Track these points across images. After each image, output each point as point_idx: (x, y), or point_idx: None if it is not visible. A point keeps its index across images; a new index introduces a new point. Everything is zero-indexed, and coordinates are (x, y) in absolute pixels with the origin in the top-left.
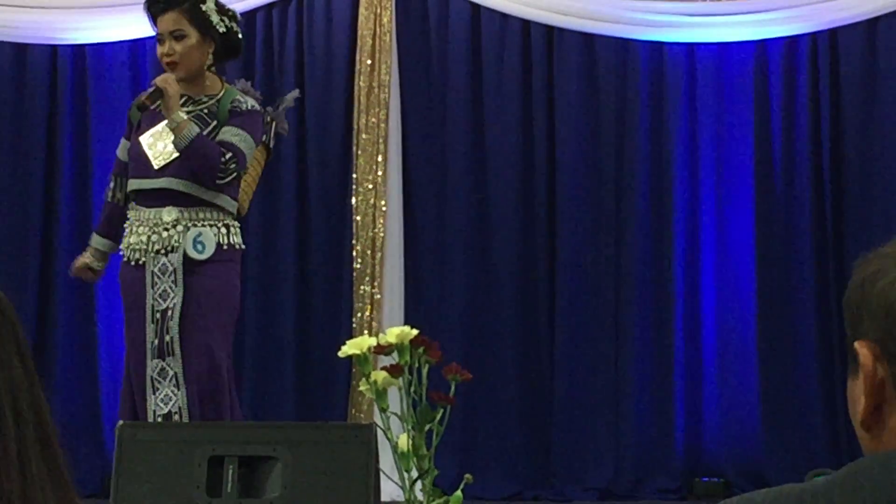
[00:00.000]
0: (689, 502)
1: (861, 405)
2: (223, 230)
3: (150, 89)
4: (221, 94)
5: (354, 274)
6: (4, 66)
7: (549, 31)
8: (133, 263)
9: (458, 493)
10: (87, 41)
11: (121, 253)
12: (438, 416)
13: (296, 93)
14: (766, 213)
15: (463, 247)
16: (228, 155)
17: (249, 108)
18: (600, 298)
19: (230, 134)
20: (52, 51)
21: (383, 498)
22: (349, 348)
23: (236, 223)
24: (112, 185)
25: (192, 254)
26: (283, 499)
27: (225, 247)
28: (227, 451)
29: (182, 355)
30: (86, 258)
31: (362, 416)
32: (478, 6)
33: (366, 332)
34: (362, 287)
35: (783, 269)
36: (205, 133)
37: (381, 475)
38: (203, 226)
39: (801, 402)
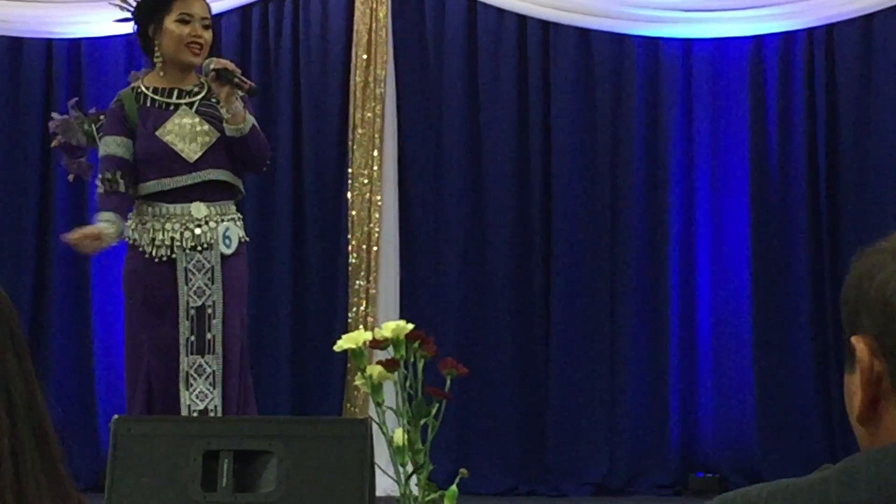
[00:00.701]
0: (684, 498)
1: (857, 400)
2: (239, 223)
3: (212, 69)
4: (206, 84)
5: (350, 268)
6: (0, 61)
7: (545, 26)
8: (157, 260)
9: (454, 487)
10: (83, 35)
11: (135, 245)
12: (434, 411)
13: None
14: (762, 208)
15: (458, 241)
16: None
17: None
18: (596, 293)
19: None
20: (48, 45)
21: (378, 492)
22: (345, 343)
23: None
24: (113, 175)
25: (223, 249)
26: (278, 493)
27: (242, 240)
28: (222, 445)
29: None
30: (98, 225)
31: (357, 410)
32: (474, 1)
33: (361, 326)
34: (357, 282)
35: (778, 264)
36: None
37: (377, 470)
38: (227, 220)
39: (796, 397)
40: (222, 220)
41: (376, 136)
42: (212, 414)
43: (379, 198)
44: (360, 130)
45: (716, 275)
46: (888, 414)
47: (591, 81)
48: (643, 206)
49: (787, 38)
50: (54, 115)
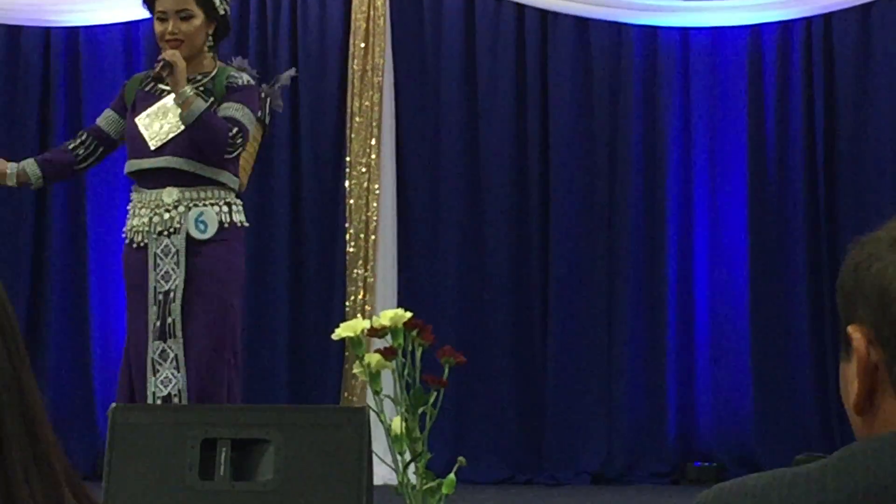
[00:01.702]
0: (682, 487)
1: (854, 389)
2: (224, 208)
3: (159, 63)
4: (215, 72)
5: (347, 257)
6: None
7: (543, 14)
8: (135, 246)
9: (451, 476)
10: (81, 23)
11: (123, 236)
12: (432, 399)
13: (292, 71)
14: (760, 197)
15: (456, 230)
16: (235, 129)
17: (245, 82)
18: (593, 283)
19: (232, 109)
20: (46, 33)
21: (376, 481)
22: (343, 331)
23: (238, 200)
24: (77, 139)
25: (195, 234)
26: (275, 482)
27: (227, 225)
28: (220, 433)
29: (183, 337)
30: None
31: (355, 399)
32: None
33: (359, 315)
34: (355, 270)
35: (776, 254)
36: None
37: (375, 458)
38: (205, 205)
39: (793, 387)
40: (196, 205)
41: (374, 124)
42: (175, 399)
43: (377, 186)
44: (357, 119)
45: (713, 264)
46: (885, 403)
47: (589, 70)
48: (641, 194)
49: (785, 28)
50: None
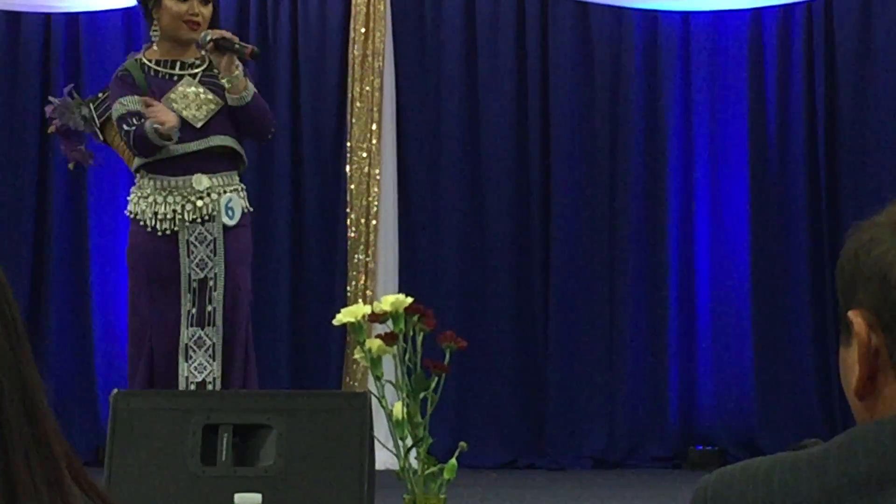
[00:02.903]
0: (684, 471)
1: (855, 374)
2: (243, 194)
3: (249, 48)
4: (207, 57)
5: (349, 242)
6: None
7: None
8: (160, 234)
9: (453, 461)
10: (81, 9)
11: (142, 224)
12: (433, 385)
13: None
14: (760, 181)
15: (457, 215)
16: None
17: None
18: (595, 268)
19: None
20: (46, 19)
21: (378, 466)
22: (344, 316)
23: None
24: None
25: (226, 221)
26: (277, 467)
27: (246, 211)
28: (222, 419)
29: (224, 325)
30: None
31: (356, 384)
32: None
33: (360, 300)
34: (356, 255)
35: (777, 237)
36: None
37: (376, 443)
38: (230, 192)
39: (794, 371)
40: (224, 192)
41: (375, 109)
42: (210, 386)
43: (378, 171)
44: (358, 104)
45: (715, 248)
46: (886, 388)
47: (590, 54)
48: (642, 179)
49: (786, 11)
50: (51, 98)
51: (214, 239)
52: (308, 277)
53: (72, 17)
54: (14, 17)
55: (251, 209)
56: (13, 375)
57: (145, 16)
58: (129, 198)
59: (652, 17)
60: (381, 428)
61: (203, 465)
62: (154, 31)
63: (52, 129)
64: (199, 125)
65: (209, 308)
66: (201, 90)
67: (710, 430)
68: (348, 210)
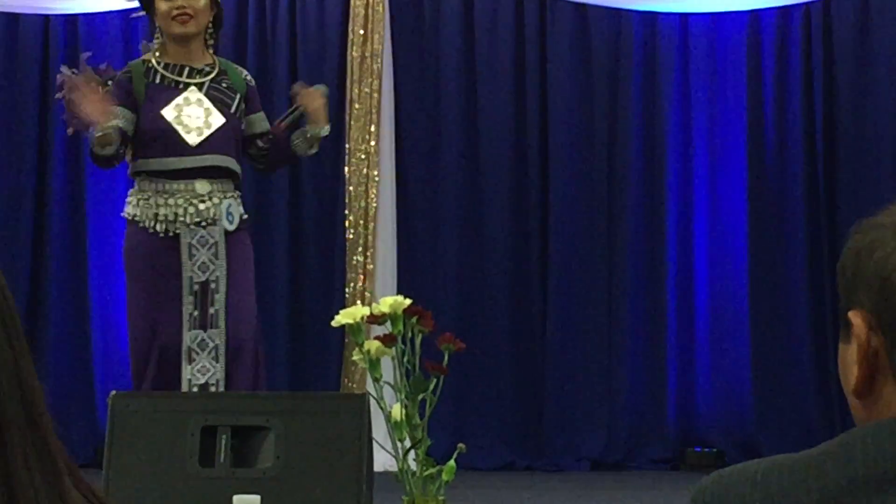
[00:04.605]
0: (682, 472)
1: (854, 373)
2: (239, 201)
3: (296, 111)
4: (219, 65)
5: (347, 244)
6: None
7: (543, 0)
8: (162, 235)
9: (452, 462)
10: (80, 11)
11: (142, 224)
12: (432, 386)
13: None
14: (759, 181)
15: (456, 216)
16: None
17: (253, 82)
18: (593, 270)
19: (264, 122)
20: (45, 20)
21: (376, 467)
22: (342, 318)
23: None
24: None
25: (226, 225)
26: (275, 469)
27: (243, 216)
28: (220, 421)
29: (227, 327)
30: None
31: (355, 385)
32: None
33: (358, 302)
34: (355, 257)
35: (776, 239)
36: (232, 107)
37: (375, 445)
38: (229, 197)
39: (793, 371)
40: (224, 197)
41: (373, 111)
42: (213, 388)
43: (376, 173)
44: (356, 105)
45: (713, 250)
46: (885, 388)
47: (588, 56)
48: (640, 179)
49: (784, 12)
50: (64, 68)
51: (216, 242)
52: (306, 279)
53: (71, 19)
54: (13, 19)
55: (246, 216)
56: (11, 374)
57: (150, 22)
58: (127, 200)
59: (650, 19)
60: (379, 429)
61: (201, 467)
62: (157, 38)
63: (59, 95)
64: (194, 143)
65: (211, 311)
66: (205, 105)
67: (708, 432)
68: (347, 212)
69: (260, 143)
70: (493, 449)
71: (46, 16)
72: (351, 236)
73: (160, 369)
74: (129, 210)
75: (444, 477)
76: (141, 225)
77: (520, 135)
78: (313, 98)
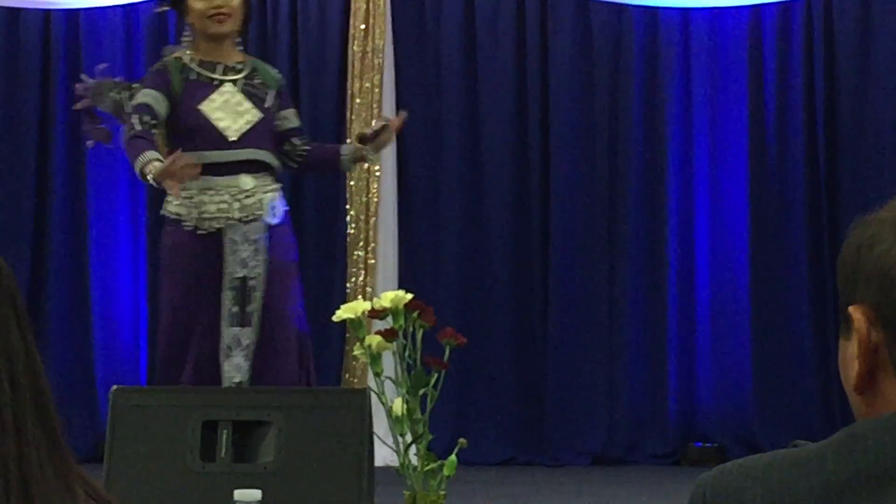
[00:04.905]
0: (683, 467)
1: (854, 369)
2: (280, 194)
3: (379, 126)
4: (250, 63)
5: (348, 239)
6: None
7: None
8: (203, 231)
9: (453, 457)
10: (81, 5)
11: (180, 220)
12: (433, 381)
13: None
14: (760, 177)
15: (457, 211)
16: None
17: (284, 80)
18: (594, 263)
19: (296, 118)
20: (45, 15)
21: (377, 462)
22: (343, 313)
23: None
24: (141, 119)
25: (270, 220)
26: (276, 463)
27: (285, 210)
28: (221, 415)
29: (265, 325)
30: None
31: (356, 380)
32: None
33: (360, 297)
34: (356, 252)
35: (777, 234)
36: (267, 102)
37: (376, 440)
38: (271, 191)
39: (794, 367)
40: (267, 191)
41: (374, 106)
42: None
43: (377, 168)
44: (358, 101)
45: (714, 244)
46: (886, 384)
47: (590, 51)
48: (642, 175)
49: (786, 7)
50: (84, 77)
51: (258, 239)
52: (308, 274)
53: (72, 14)
54: (13, 13)
55: (288, 208)
56: (26, 367)
57: (178, 18)
58: (167, 199)
59: (651, 14)
60: (380, 424)
61: (202, 462)
62: (185, 37)
63: (78, 106)
64: (234, 138)
65: (249, 308)
66: (240, 100)
67: (709, 427)
68: (348, 206)
69: (296, 141)
70: (494, 444)
71: (47, 10)
72: (352, 231)
73: (197, 367)
74: (170, 208)
75: (445, 472)
76: (185, 224)
77: (521, 129)
78: (395, 129)
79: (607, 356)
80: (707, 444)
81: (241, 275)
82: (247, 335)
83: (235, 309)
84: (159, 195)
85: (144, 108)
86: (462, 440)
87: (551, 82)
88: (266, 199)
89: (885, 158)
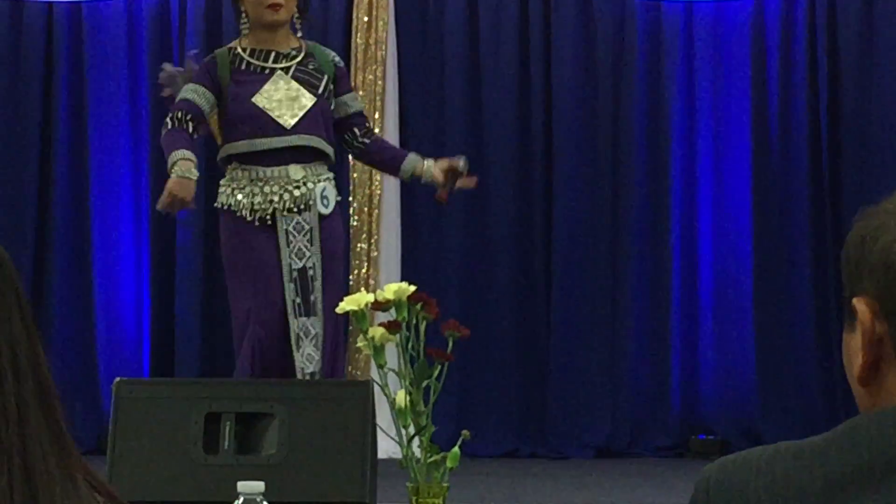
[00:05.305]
0: (686, 460)
1: (858, 360)
2: (333, 182)
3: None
4: (306, 48)
5: (351, 231)
6: (0, 24)
7: None
8: (257, 223)
9: (456, 449)
10: None
11: (234, 212)
12: (436, 373)
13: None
14: (763, 169)
15: (460, 204)
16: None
17: (342, 63)
18: (597, 257)
19: (356, 102)
20: (48, 8)
21: (380, 454)
22: (347, 304)
23: None
24: (175, 115)
25: (322, 209)
26: (279, 455)
27: (338, 199)
28: (224, 407)
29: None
30: (187, 173)
31: (359, 372)
32: None
33: (363, 289)
34: (359, 245)
35: (780, 227)
36: (320, 88)
37: (378, 431)
38: (323, 181)
39: (797, 359)
40: (318, 181)
41: (377, 98)
42: (317, 377)
43: None
44: (360, 93)
45: (717, 237)
46: (889, 376)
47: (593, 44)
48: (645, 169)
49: (789, 1)
50: (166, 65)
51: (311, 228)
52: None
53: (74, 7)
54: (16, 6)
55: (339, 198)
56: (29, 357)
57: (233, 7)
58: (220, 190)
59: (655, 7)
60: (383, 416)
61: (205, 454)
62: (243, 22)
63: (165, 93)
64: (289, 125)
65: (312, 298)
66: (293, 88)
67: (712, 420)
68: (351, 199)
69: (357, 132)
70: (497, 436)
71: (50, 2)
72: (355, 223)
73: (262, 357)
74: (222, 199)
75: (448, 464)
76: (238, 214)
77: (524, 122)
78: (463, 184)
79: (610, 349)
80: (710, 437)
81: (299, 266)
82: (314, 325)
83: (299, 300)
84: (162, 190)
85: (184, 104)
86: (465, 432)
87: (554, 73)
88: (317, 189)
89: (888, 150)
